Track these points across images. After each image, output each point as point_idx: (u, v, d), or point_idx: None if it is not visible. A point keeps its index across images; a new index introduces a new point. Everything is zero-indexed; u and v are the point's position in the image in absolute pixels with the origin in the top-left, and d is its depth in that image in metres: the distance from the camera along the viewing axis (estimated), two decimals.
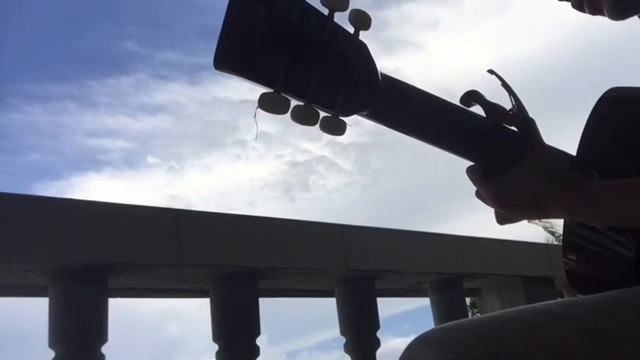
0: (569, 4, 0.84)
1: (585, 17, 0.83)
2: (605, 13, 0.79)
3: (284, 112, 0.63)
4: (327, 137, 0.68)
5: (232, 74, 0.61)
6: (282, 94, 0.63)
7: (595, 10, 0.80)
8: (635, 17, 0.86)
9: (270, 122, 0.63)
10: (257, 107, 0.62)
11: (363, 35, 0.68)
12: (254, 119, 0.61)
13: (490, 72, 0.83)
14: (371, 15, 0.67)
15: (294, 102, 0.64)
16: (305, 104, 0.65)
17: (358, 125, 0.74)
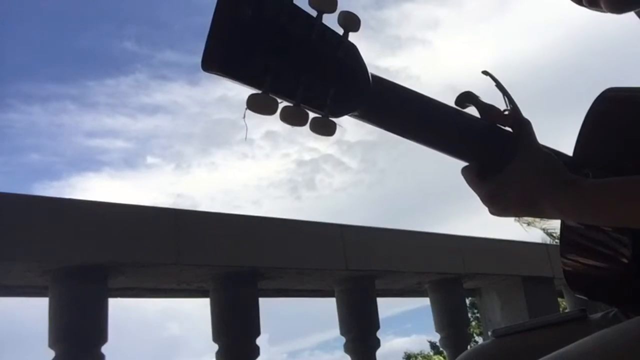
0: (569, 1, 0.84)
1: (584, 17, 0.82)
2: (602, 6, 0.77)
3: (273, 112, 0.63)
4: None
5: (220, 75, 0.61)
6: (271, 95, 0.63)
7: (591, 4, 0.79)
8: (635, 18, 0.85)
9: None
10: (245, 109, 0.62)
11: (362, 36, 0.68)
12: (243, 120, 0.61)
13: (485, 73, 0.84)
14: (371, 15, 0.67)
15: (283, 103, 0.64)
16: (295, 104, 0.64)
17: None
